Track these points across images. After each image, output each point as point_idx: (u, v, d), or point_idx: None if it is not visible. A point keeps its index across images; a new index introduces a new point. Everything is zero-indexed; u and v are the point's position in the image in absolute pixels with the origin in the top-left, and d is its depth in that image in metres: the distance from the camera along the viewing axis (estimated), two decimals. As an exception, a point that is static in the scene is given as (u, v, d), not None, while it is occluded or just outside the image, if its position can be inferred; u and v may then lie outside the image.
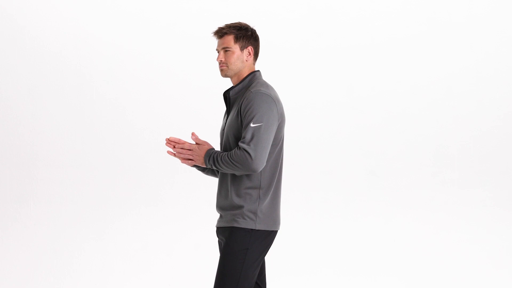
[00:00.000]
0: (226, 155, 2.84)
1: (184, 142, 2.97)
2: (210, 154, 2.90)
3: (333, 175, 5.20)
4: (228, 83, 3.24)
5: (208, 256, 4.84)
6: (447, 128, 5.32)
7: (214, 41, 2.98)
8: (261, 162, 2.80)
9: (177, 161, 4.99)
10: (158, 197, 5.08)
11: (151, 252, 4.98)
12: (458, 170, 5.32)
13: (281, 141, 2.95)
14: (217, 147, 3.09)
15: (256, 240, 2.88)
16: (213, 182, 5.22)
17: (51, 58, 5.01)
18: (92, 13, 5.04)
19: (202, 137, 3.04)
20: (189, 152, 2.96)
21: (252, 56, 2.99)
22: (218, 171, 3.03)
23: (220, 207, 2.99)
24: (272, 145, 2.88)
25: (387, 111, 5.27)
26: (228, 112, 3.03)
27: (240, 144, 2.80)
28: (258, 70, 3.02)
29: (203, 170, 3.10)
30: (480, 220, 5.26)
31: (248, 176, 2.87)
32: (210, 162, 2.89)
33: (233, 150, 2.83)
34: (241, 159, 2.79)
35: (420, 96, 5.30)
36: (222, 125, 3.06)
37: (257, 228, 2.87)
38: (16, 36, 4.99)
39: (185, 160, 2.97)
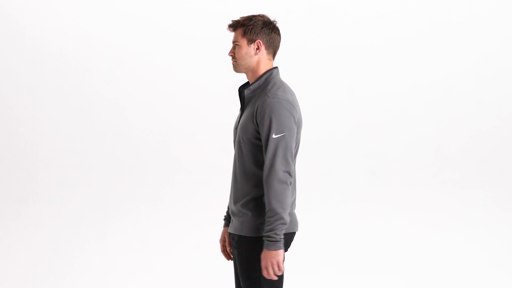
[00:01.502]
0: (267, 199, 2.66)
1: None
2: (270, 240, 2.69)
3: (333, 175, 5.20)
4: (235, 80, 3.20)
5: (208, 256, 4.85)
6: (447, 128, 5.32)
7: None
8: (292, 170, 2.70)
9: (177, 161, 5.02)
10: (158, 197, 5.08)
11: (151, 252, 4.98)
12: (458, 170, 5.32)
13: (297, 144, 2.83)
14: (229, 144, 3.02)
15: None
16: (213, 182, 5.21)
17: (51, 58, 5.00)
18: (92, 13, 5.04)
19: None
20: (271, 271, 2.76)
21: (263, 51, 2.82)
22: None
23: (230, 211, 2.90)
24: None
25: (387, 111, 5.27)
26: (242, 109, 2.88)
27: (267, 163, 2.66)
28: (276, 67, 2.86)
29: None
30: (480, 220, 5.25)
31: (256, 184, 2.75)
32: (276, 234, 2.67)
33: (264, 182, 2.67)
34: (279, 178, 2.65)
35: (420, 96, 5.29)
36: (236, 122, 2.92)
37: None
38: (16, 36, 4.99)
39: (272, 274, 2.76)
